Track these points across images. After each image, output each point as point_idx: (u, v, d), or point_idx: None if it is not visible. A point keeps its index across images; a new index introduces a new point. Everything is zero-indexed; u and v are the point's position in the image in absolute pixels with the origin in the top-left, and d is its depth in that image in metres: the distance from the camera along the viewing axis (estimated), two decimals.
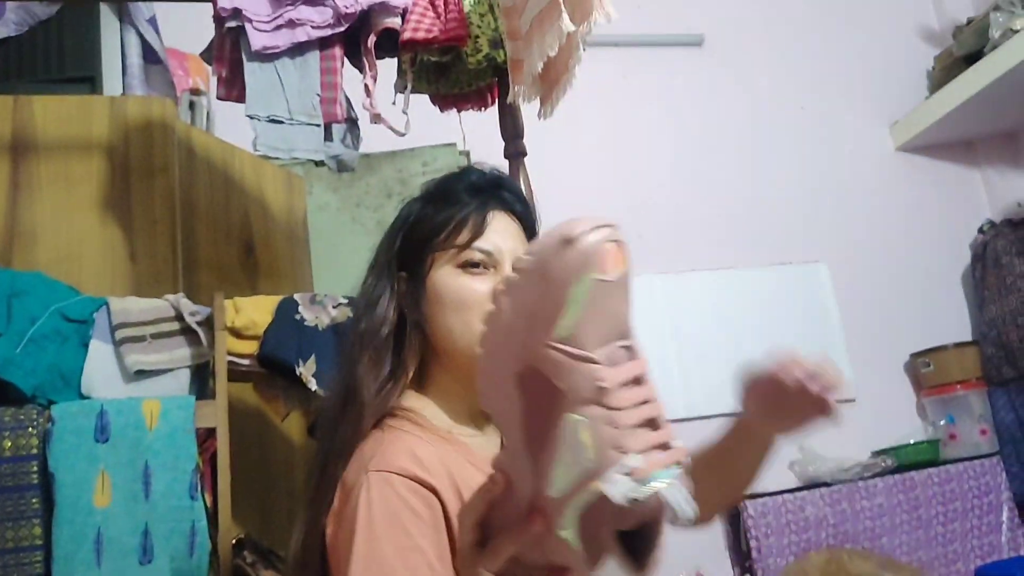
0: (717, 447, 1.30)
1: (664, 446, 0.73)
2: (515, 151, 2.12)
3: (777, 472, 3.25)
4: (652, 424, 0.74)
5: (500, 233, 1.16)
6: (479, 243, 1.14)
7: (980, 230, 3.60)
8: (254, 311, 2.12)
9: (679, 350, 3.37)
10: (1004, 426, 3.27)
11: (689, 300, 3.45)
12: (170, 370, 2.03)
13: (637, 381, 0.75)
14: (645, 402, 0.75)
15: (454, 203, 1.17)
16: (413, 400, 1.16)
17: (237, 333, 2.10)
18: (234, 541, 2.01)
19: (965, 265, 3.63)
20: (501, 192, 1.21)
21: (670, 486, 0.70)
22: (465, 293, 1.12)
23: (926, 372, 3.39)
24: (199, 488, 1.91)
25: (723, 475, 1.29)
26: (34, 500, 1.82)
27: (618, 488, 0.70)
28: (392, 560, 0.97)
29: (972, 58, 3.53)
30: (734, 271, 3.51)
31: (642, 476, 0.70)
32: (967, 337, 3.48)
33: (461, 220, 1.16)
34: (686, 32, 3.85)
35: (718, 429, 1.29)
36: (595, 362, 0.74)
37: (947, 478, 3.16)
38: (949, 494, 3.15)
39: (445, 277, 1.14)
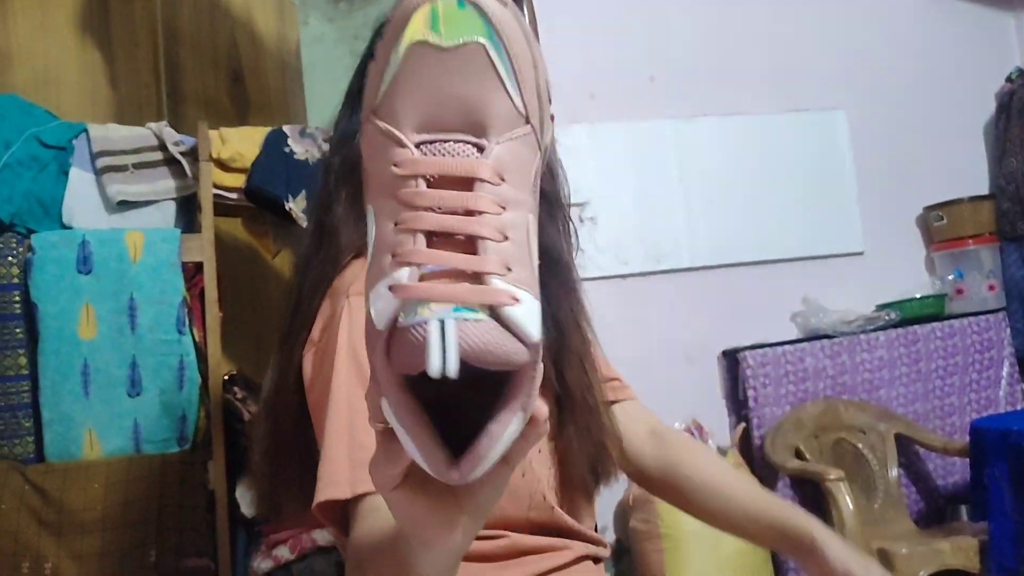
0: (753, 516, 1.16)
1: (465, 276, 0.53)
2: None
3: (779, 323, 3.22)
4: (457, 244, 0.54)
5: None
6: None
7: (1008, 79, 3.42)
8: (241, 142, 2.03)
9: (686, 198, 3.27)
10: (1014, 282, 3.20)
11: (699, 146, 3.32)
12: (154, 202, 1.96)
13: (459, 184, 0.55)
14: (458, 213, 0.54)
15: None
16: None
17: (223, 165, 2.02)
18: (225, 376, 1.99)
19: (989, 115, 3.48)
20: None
21: (437, 322, 0.50)
22: None
23: (938, 226, 3.30)
24: (187, 323, 1.88)
25: (723, 517, 1.19)
26: (18, 329, 1.79)
27: (375, 305, 0.55)
28: None
29: None
30: (748, 117, 3.37)
31: (409, 296, 0.52)
32: (984, 191, 3.37)
33: None
34: None
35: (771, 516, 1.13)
36: (400, 142, 0.56)
37: (950, 332, 3.12)
38: (951, 348, 3.12)
39: None
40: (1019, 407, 3.11)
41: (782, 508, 1.15)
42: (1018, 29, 3.62)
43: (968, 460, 2.60)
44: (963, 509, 2.88)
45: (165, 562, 1.72)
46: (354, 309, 0.97)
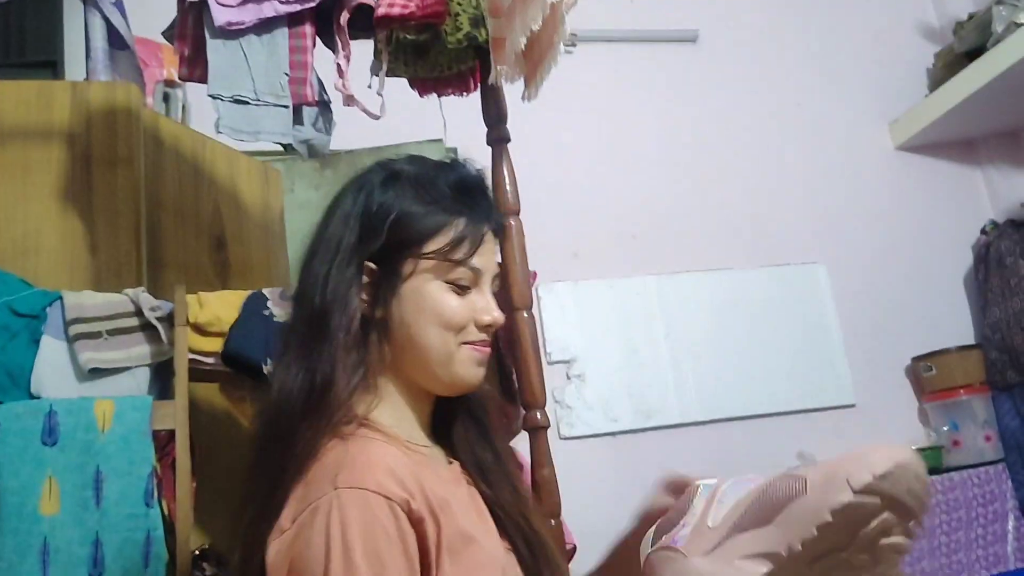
0: (621, 544, 1.19)
1: None
2: (498, 137, 2.00)
3: None
4: None
5: (487, 254, 1.12)
6: (472, 262, 1.09)
7: (983, 231, 3.49)
8: (219, 306, 2.00)
9: (672, 353, 3.25)
10: (1009, 432, 3.15)
11: (683, 302, 3.34)
12: (127, 369, 1.90)
13: None
14: None
15: (445, 209, 1.09)
16: (366, 407, 1.06)
17: (200, 330, 1.98)
18: (196, 552, 1.88)
19: (967, 267, 3.52)
20: (487, 200, 1.15)
21: None
22: (450, 312, 1.08)
23: (928, 376, 3.28)
24: (155, 495, 1.78)
25: None
26: None
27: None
28: None
29: (973, 54, 3.43)
30: (730, 272, 3.40)
31: None
32: (970, 340, 3.37)
33: (458, 236, 1.09)
34: (680, 28, 3.74)
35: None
36: None
37: (951, 486, 3.04)
38: (953, 503, 3.03)
39: (431, 289, 1.08)
40: None
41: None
42: (986, 183, 3.73)
43: None
44: None
45: None
46: (346, 507, 0.91)
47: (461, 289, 1.08)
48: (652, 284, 3.35)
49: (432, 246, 1.07)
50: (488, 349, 1.12)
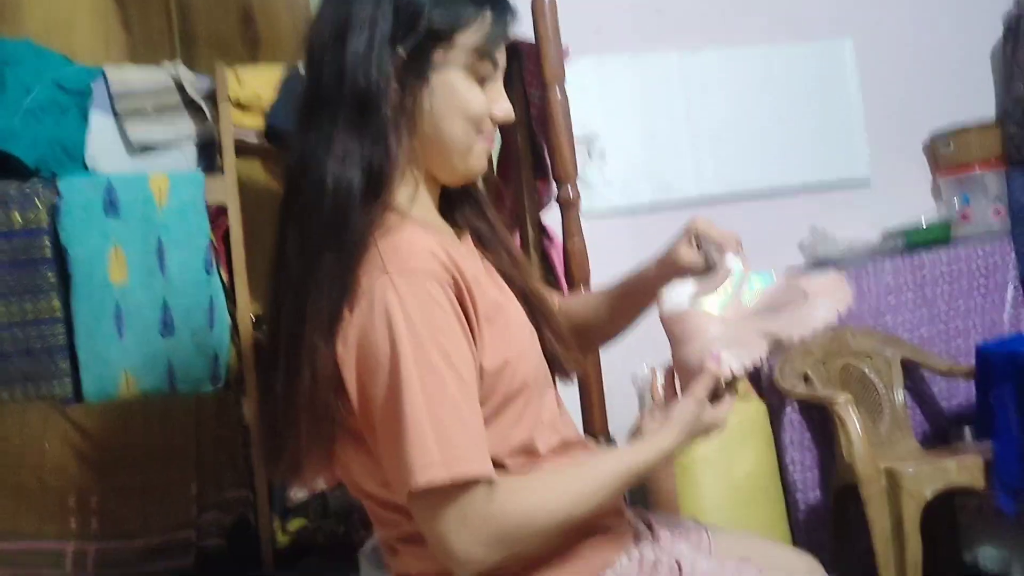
0: (638, 278, 1.34)
1: None
2: None
3: (786, 252, 3.26)
4: None
5: (503, 49, 1.13)
6: (496, 56, 1.11)
7: (1017, 2, 3.40)
8: (258, 83, 2.04)
9: (692, 129, 3.28)
10: (1019, 207, 3.22)
11: (706, 78, 3.32)
12: (175, 145, 1.97)
13: None
14: None
15: (474, 0, 1.09)
16: (401, 197, 1.10)
17: (241, 106, 2.03)
18: (253, 317, 2.03)
19: (996, 40, 3.46)
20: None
21: None
22: (475, 104, 1.10)
23: (945, 152, 3.32)
24: (214, 264, 1.91)
25: (627, 307, 1.36)
26: (49, 273, 1.83)
27: None
28: (440, 366, 0.96)
29: None
30: (754, 48, 3.36)
31: None
32: (991, 116, 3.38)
33: (487, 28, 1.09)
34: None
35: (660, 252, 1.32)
36: None
37: (955, 258, 3.16)
38: (956, 273, 3.16)
39: (457, 80, 1.08)
40: (1023, 330, 3.17)
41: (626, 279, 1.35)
42: None
43: (972, 382, 2.66)
44: (967, 430, 2.95)
45: (206, 494, 1.79)
46: (401, 288, 0.97)
47: (481, 82, 1.10)
48: (674, 59, 3.32)
49: (463, 38, 1.07)
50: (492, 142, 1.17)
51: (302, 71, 2.08)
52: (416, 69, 1.06)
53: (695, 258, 1.25)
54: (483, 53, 1.08)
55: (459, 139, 1.10)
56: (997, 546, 2.84)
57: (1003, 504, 2.42)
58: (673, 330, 1.18)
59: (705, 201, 3.26)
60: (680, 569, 1.10)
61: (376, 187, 1.04)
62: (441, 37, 1.06)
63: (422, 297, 0.97)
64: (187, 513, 1.85)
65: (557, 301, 1.40)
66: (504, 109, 1.13)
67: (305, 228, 1.03)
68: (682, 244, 1.28)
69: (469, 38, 1.07)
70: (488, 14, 1.09)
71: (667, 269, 1.27)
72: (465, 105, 1.08)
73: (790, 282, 1.23)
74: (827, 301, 1.17)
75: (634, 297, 1.33)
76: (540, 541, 1.01)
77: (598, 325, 1.38)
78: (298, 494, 1.90)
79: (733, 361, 1.10)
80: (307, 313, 0.99)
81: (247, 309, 1.94)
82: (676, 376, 1.17)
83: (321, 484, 1.92)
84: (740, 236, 1.27)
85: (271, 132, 2.02)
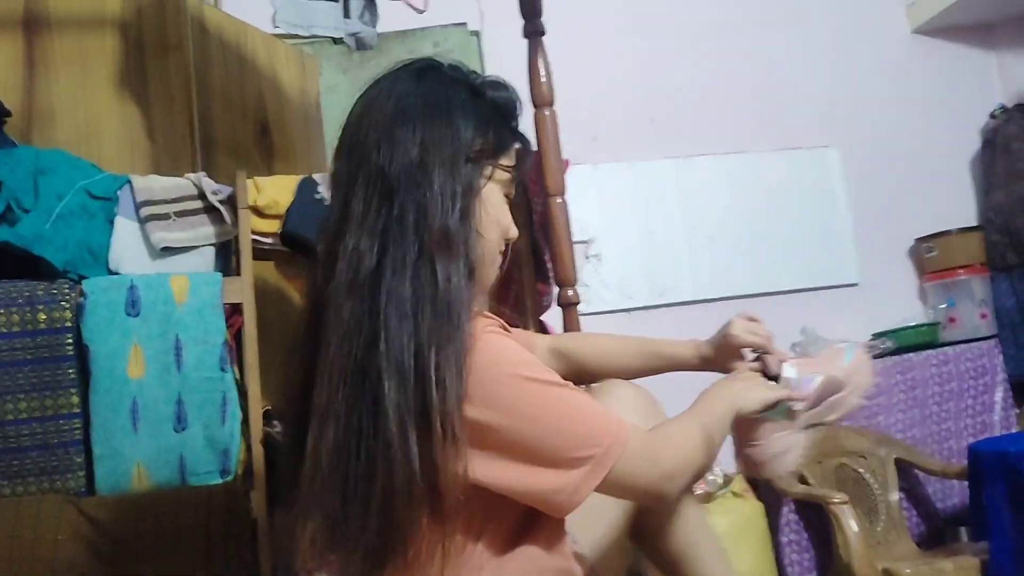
0: (673, 356, 1.51)
1: None
2: (533, 30, 2.11)
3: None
4: None
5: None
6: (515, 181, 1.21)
7: (992, 115, 3.58)
8: (275, 190, 2.15)
9: (688, 234, 3.41)
10: (1004, 311, 3.33)
11: (699, 184, 3.47)
12: (194, 247, 2.07)
13: None
14: None
15: (509, 124, 1.18)
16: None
17: (259, 212, 2.14)
18: (264, 411, 2.09)
19: (975, 150, 3.63)
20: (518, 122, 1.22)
21: None
22: (506, 220, 1.18)
23: (930, 257, 3.44)
24: (229, 361, 1.99)
25: (650, 368, 1.52)
26: (70, 370, 1.90)
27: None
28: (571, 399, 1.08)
29: None
30: (744, 155, 3.52)
31: None
32: (972, 223, 3.51)
33: (519, 153, 1.19)
34: None
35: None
36: None
37: (945, 360, 3.24)
38: (946, 375, 3.24)
39: (495, 197, 1.16)
40: (1014, 431, 3.22)
41: (666, 340, 1.51)
42: (1000, 68, 3.79)
43: (966, 483, 2.69)
44: (963, 531, 2.98)
45: None
46: (492, 338, 1.07)
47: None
48: (669, 167, 3.47)
49: (505, 159, 1.16)
50: None
51: (316, 178, 2.21)
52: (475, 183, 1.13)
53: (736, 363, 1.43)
54: (513, 177, 1.18)
55: (493, 249, 1.16)
56: None
57: None
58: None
59: (700, 302, 3.36)
60: None
61: (472, 300, 1.09)
62: (493, 155, 1.14)
63: (512, 347, 1.09)
64: None
65: (548, 341, 1.56)
66: (515, 231, 1.21)
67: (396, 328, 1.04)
68: (738, 325, 1.43)
69: (507, 160, 1.17)
70: (519, 144, 1.19)
71: (724, 350, 1.44)
72: (500, 219, 1.16)
73: (830, 379, 1.40)
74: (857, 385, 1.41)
75: (659, 365, 1.50)
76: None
77: (608, 366, 1.50)
78: None
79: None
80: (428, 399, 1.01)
81: (258, 404, 2.00)
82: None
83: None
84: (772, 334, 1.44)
85: (287, 236, 2.12)
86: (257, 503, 1.92)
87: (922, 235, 3.48)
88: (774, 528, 2.98)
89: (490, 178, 1.14)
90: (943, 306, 3.40)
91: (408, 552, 1.03)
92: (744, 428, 1.35)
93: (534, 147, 2.07)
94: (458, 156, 1.10)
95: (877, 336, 3.30)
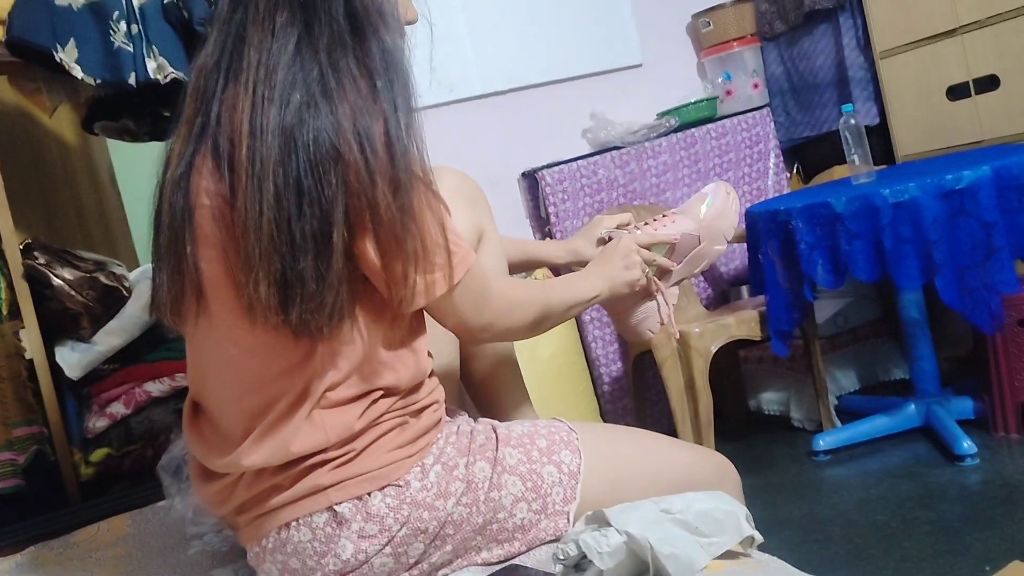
0: (538, 255, 1.62)
1: None
2: None
3: (570, 140, 3.37)
4: None
5: None
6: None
7: None
8: None
9: (470, 24, 3.29)
10: (774, 79, 3.48)
11: None
12: None
13: None
14: None
15: None
16: None
17: None
18: (21, 245, 1.90)
19: None
20: None
21: None
22: (409, 14, 1.22)
23: (706, 32, 3.51)
24: None
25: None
26: None
27: None
28: None
29: None
30: None
31: None
32: None
33: None
34: None
35: None
36: None
37: (723, 132, 3.38)
38: (725, 146, 3.39)
39: None
40: (784, 192, 3.45)
41: (536, 242, 1.61)
42: None
43: (746, 246, 2.88)
44: (744, 290, 3.22)
45: None
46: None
47: None
48: None
49: None
50: None
51: None
52: None
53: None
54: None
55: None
56: (776, 390, 3.14)
57: (777, 349, 2.68)
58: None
59: (490, 95, 3.30)
60: (496, 432, 1.16)
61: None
62: None
63: None
64: None
65: None
66: (416, 11, 1.23)
67: None
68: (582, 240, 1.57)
69: None
70: None
71: (576, 257, 1.57)
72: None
73: (686, 236, 1.53)
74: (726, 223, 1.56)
75: (533, 264, 1.61)
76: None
77: None
78: (97, 424, 1.82)
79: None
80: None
81: (13, 236, 1.81)
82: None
83: (121, 410, 1.86)
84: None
85: (13, 43, 1.85)
86: (30, 341, 1.77)
87: (698, 10, 3.52)
88: None
89: None
90: (720, 80, 3.51)
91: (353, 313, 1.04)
92: (609, 303, 1.46)
93: None
94: None
95: (662, 115, 3.38)
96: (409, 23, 1.19)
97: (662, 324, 1.50)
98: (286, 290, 0.97)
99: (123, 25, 1.92)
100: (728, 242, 1.58)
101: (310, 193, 0.96)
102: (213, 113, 1.03)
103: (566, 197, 3.16)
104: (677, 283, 1.53)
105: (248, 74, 1.01)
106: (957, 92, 2.82)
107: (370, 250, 1.01)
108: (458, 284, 1.07)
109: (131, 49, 1.92)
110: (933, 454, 2.50)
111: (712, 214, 1.52)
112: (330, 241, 0.98)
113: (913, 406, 2.65)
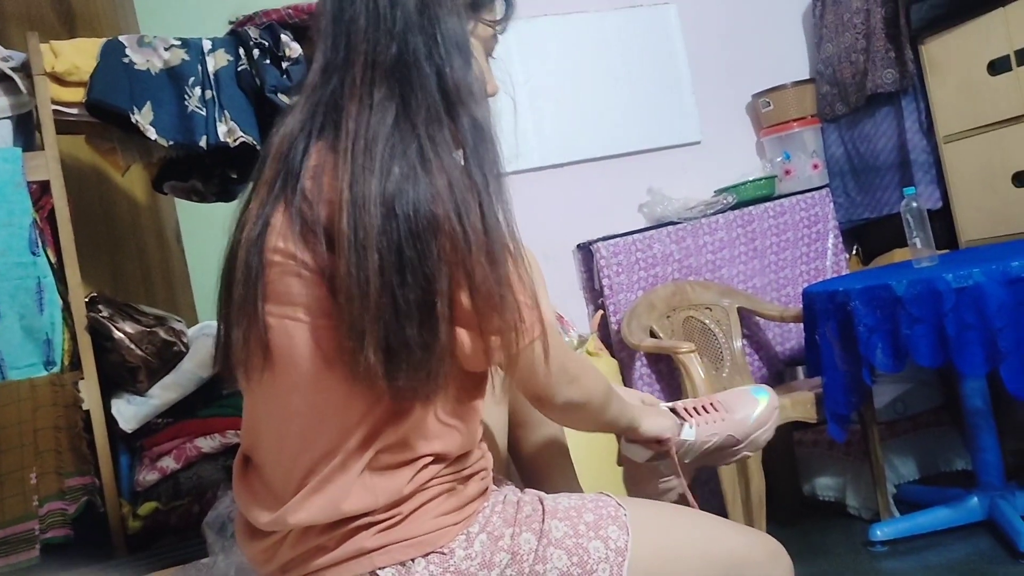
0: None
1: None
2: None
3: (627, 214, 3.38)
4: None
5: None
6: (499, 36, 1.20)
7: None
8: (75, 55, 1.95)
9: (531, 99, 3.35)
10: (834, 160, 3.47)
11: (541, 47, 3.39)
12: None
13: None
14: None
15: None
16: None
17: (60, 80, 1.93)
18: (86, 298, 1.95)
19: (806, 4, 3.69)
20: None
21: None
22: (493, 84, 1.20)
23: (766, 111, 3.52)
24: (39, 243, 1.82)
25: None
26: None
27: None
28: None
29: None
30: (585, 15, 3.45)
31: None
32: (805, 76, 3.60)
33: (503, 9, 1.18)
34: None
35: None
36: None
37: (781, 211, 3.37)
38: (782, 225, 3.37)
39: (477, 52, 1.15)
40: (843, 273, 3.41)
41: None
42: None
43: (802, 326, 2.84)
44: (799, 370, 3.16)
45: (46, 484, 1.70)
46: None
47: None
48: (509, 29, 3.37)
49: (488, 15, 1.16)
50: None
51: (122, 40, 2.01)
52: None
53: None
54: (496, 32, 1.18)
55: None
56: (831, 475, 3.05)
57: (834, 433, 2.61)
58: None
59: (548, 168, 3.34)
60: (543, 504, 1.15)
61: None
62: (477, 9, 1.14)
63: None
64: (27, 505, 1.76)
65: None
66: (497, 85, 1.22)
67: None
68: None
69: (490, 16, 1.16)
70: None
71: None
72: (482, 84, 1.14)
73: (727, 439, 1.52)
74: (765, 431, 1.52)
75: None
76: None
77: None
78: (147, 477, 1.84)
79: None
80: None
81: (79, 289, 1.85)
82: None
83: (171, 464, 1.87)
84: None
85: (93, 104, 1.93)
86: (88, 393, 1.80)
87: (758, 90, 3.54)
88: (629, 382, 3.08)
89: (472, 33, 1.12)
90: (779, 159, 3.50)
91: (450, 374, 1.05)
92: (632, 470, 1.47)
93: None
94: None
95: (719, 192, 3.38)
96: (490, 95, 1.20)
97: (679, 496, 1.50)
98: (392, 357, 0.98)
99: (198, 90, 2.00)
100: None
101: (411, 263, 0.98)
102: (297, 177, 1.05)
103: (620, 270, 3.16)
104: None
105: (346, 143, 1.02)
106: (1023, 179, 2.78)
107: (467, 317, 1.03)
108: (550, 351, 1.10)
109: (204, 113, 1.99)
110: (996, 550, 2.40)
111: (756, 425, 1.51)
112: (434, 310, 0.99)
113: (976, 499, 2.55)
